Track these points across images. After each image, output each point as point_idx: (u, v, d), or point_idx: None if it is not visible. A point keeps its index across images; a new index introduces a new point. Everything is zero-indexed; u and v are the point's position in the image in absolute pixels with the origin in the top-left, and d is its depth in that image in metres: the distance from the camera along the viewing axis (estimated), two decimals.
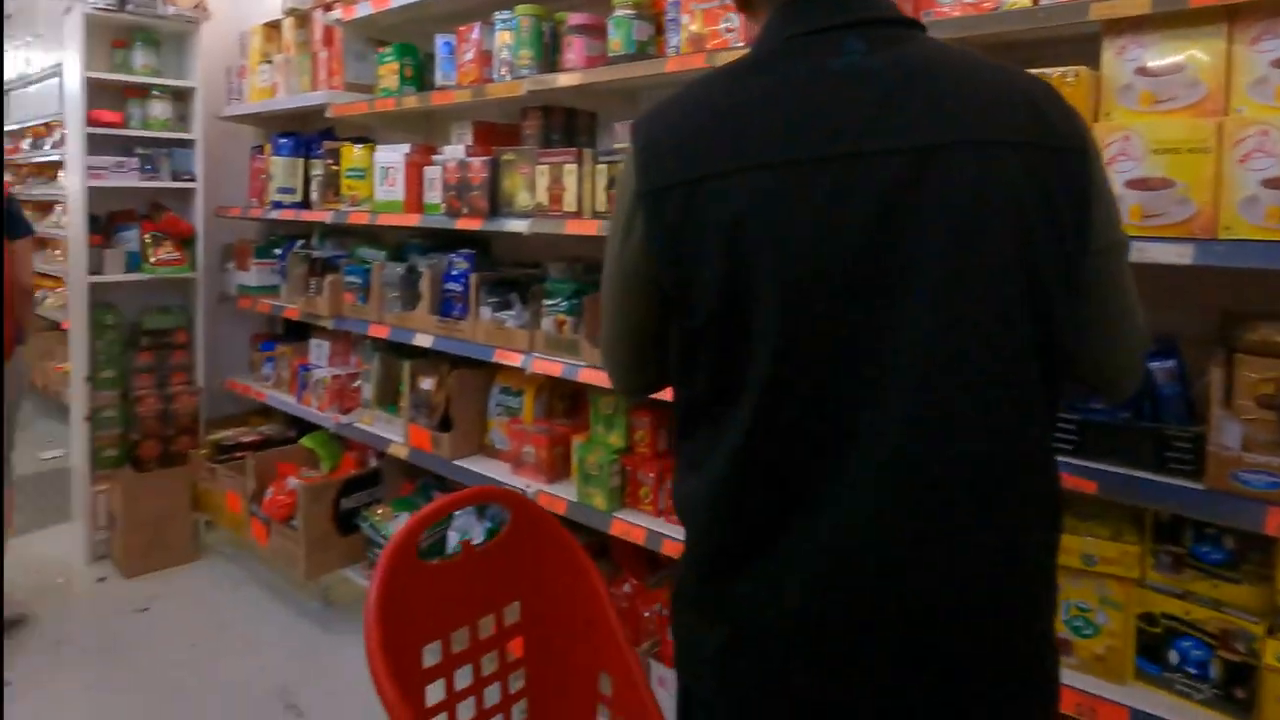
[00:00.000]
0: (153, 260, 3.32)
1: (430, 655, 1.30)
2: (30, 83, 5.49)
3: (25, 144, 5.76)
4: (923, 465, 0.76)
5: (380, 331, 2.62)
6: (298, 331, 3.47)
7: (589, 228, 2.01)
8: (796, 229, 0.77)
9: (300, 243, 3.29)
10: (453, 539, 2.38)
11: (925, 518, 0.77)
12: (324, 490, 2.62)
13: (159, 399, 3.29)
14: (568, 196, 2.07)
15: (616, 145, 2.09)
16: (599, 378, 1.97)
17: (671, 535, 1.86)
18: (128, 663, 2.54)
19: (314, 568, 2.61)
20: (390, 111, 2.73)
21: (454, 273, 2.47)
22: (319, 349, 3.07)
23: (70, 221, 3.31)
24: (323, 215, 2.92)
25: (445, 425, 2.44)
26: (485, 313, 2.31)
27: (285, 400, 3.11)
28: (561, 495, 2.08)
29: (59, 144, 5.21)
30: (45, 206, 5.39)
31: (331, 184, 2.94)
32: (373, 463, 2.84)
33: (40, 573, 3.14)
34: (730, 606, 0.83)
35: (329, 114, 2.91)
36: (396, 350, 2.74)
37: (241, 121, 3.59)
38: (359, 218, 2.74)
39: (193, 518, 3.24)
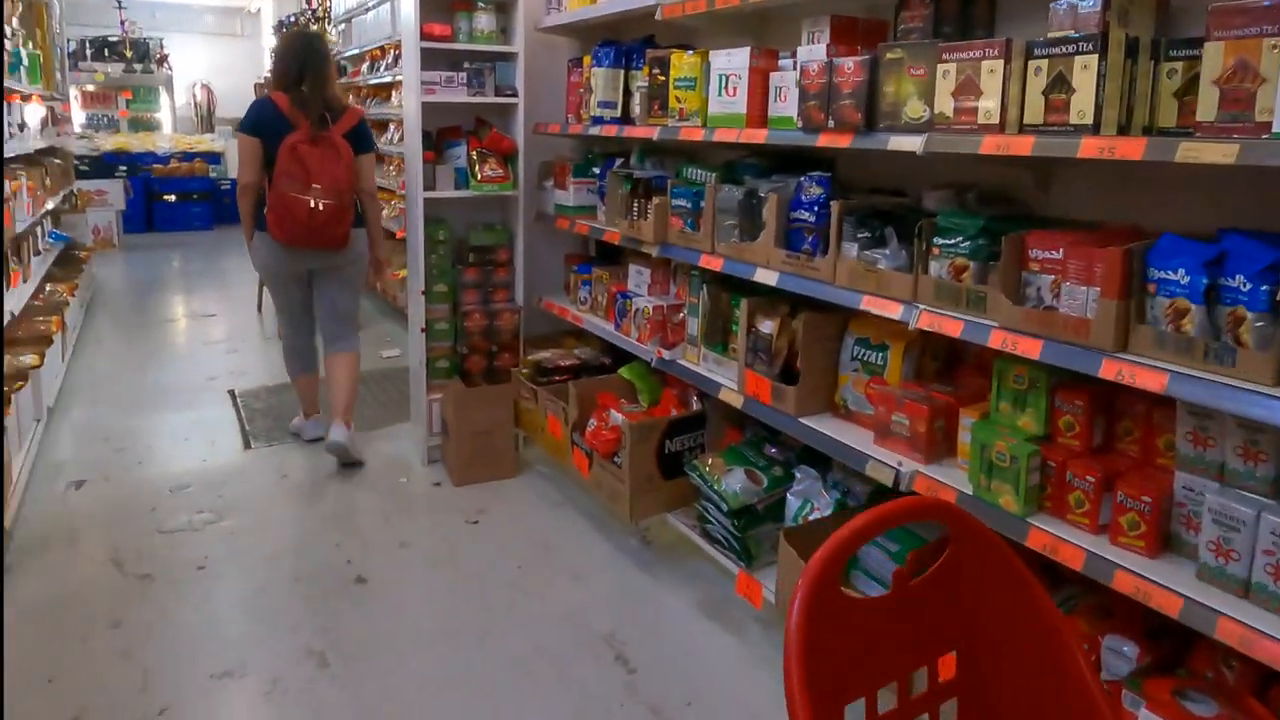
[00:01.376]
0: (479, 177, 3.35)
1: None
2: (367, 9, 5.90)
3: (364, 67, 6.26)
4: None
5: (713, 263, 2.36)
6: (610, 255, 3.36)
7: (1018, 146, 1.53)
8: None
9: (619, 161, 3.12)
10: (793, 504, 2.13)
11: None
12: (649, 430, 2.49)
13: (484, 315, 3.38)
14: (985, 104, 1.60)
15: (1053, 34, 1.57)
16: (1021, 344, 1.53)
17: (1129, 568, 1.39)
18: (464, 575, 2.64)
19: (638, 509, 2.52)
20: (729, 10, 2.39)
21: (805, 199, 2.11)
22: (638, 276, 2.91)
23: (407, 137, 3.43)
24: (648, 131, 2.69)
25: (787, 375, 2.15)
26: (849, 249, 1.94)
27: (602, 326, 3.02)
28: (947, 483, 1.70)
29: (391, 65, 5.58)
30: (381, 125, 5.85)
31: (657, 96, 2.68)
32: (695, 404, 2.65)
33: (387, 469, 3.44)
34: None
35: (659, 16, 2.62)
36: (724, 284, 2.48)
37: (560, 33, 3.45)
38: (691, 133, 2.47)
39: (514, 434, 3.33)
